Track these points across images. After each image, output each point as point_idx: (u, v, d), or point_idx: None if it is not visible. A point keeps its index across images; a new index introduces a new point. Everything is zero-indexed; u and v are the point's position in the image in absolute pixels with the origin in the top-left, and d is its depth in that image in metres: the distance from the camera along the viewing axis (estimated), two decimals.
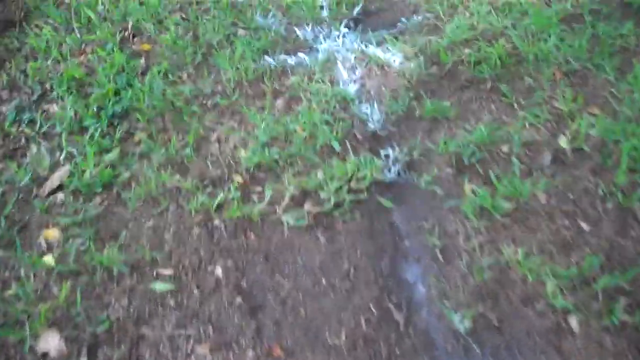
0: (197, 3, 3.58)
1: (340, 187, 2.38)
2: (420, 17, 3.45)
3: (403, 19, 3.45)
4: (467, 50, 3.09)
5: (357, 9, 3.50)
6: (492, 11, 3.39)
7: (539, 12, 3.32)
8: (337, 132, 2.64)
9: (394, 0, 3.62)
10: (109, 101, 2.80)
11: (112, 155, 2.56)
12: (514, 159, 2.51)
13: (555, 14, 3.31)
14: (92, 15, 3.39)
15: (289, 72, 3.06)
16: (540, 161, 2.53)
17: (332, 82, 2.97)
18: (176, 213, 2.35)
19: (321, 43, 3.26)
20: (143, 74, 3.03)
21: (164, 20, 3.40)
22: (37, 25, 3.37)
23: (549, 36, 3.15)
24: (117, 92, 2.87)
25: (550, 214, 2.28)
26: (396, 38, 3.27)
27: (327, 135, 2.62)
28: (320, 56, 3.15)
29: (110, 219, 2.34)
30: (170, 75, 3.00)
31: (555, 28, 3.18)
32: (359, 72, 3.05)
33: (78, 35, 3.28)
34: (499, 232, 2.23)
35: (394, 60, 3.08)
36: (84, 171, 2.50)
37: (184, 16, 3.45)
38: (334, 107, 2.81)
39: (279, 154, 2.55)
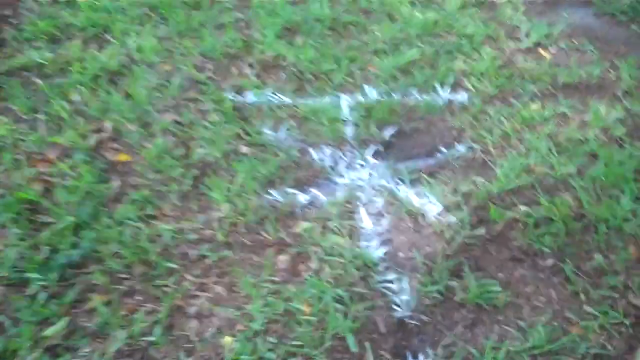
0: (196, 101, 3.04)
1: None
2: (464, 148, 2.92)
3: (443, 149, 2.90)
4: (522, 208, 2.54)
5: (389, 131, 2.95)
6: (552, 149, 2.85)
7: (610, 156, 2.81)
8: (353, 319, 2.08)
9: (434, 121, 3.07)
10: (66, 241, 2.25)
11: (54, 331, 2.02)
12: None
13: (629, 158, 2.77)
14: (64, 108, 2.85)
15: (299, 213, 2.53)
16: None
17: (351, 235, 2.44)
18: None
19: (342, 175, 2.72)
20: (115, 200, 2.47)
21: (152, 123, 2.86)
22: None
23: (623, 193, 2.60)
24: (77, 229, 2.31)
25: None
26: (434, 176, 2.71)
27: (339, 322, 2.10)
28: (339, 195, 2.63)
29: None
30: (148, 207, 2.46)
31: (631, 183, 2.66)
32: (386, 222, 2.53)
33: (44, 133, 2.73)
34: None
35: (431, 210, 2.53)
36: (15, 353, 1.91)
37: (177, 119, 2.90)
38: (352, 274, 2.24)
39: (275, 350, 1.98)
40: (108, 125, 2.87)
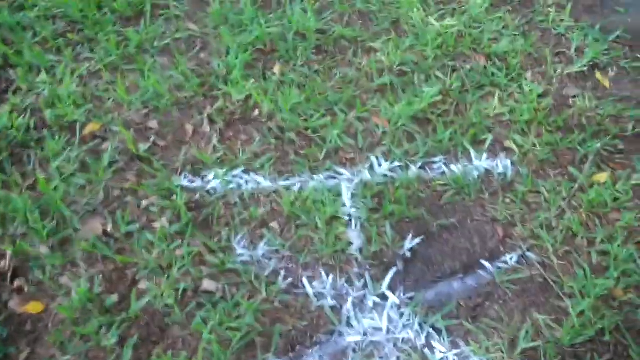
0: (134, 193, 2.21)
1: None
2: (515, 257, 2.16)
3: (486, 261, 2.15)
4: None
5: (410, 240, 2.17)
6: (637, 259, 2.11)
7: None
8: None
9: (470, 211, 2.33)
10: None
11: None
12: None
13: None
14: None
15: None
16: None
17: None
18: None
19: (349, 323, 1.95)
20: None
21: (72, 240, 2.04)
22: None
23: None
24: None
25: None
26: (478, 316, 1.99)
27: None
28: None
29: None
30: None
31: None
32: None
33: None
34: None
35: None
36: None
37: (108, 229, 2.07)
38: None
39: None
40: (9, 251, 2.02)
